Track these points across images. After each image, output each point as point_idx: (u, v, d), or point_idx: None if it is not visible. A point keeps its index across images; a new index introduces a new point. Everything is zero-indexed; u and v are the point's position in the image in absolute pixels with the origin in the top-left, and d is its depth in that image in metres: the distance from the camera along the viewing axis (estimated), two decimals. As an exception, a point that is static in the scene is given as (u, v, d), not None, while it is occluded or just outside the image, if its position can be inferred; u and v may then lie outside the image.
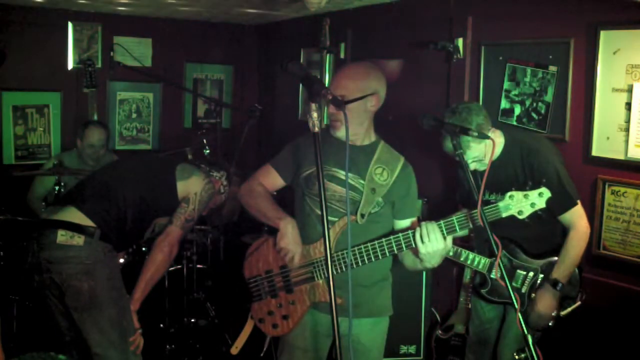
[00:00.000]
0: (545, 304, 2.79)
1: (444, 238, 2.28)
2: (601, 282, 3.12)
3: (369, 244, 2.39)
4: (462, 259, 2.96)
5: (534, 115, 3.48)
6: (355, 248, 2.39)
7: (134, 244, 3.85)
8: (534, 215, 2.29)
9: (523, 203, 2.26)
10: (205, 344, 4.18)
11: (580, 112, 3.25)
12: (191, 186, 2.99)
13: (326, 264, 1.84)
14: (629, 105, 3.01)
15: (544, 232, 2.84)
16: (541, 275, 2.87)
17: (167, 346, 4.08)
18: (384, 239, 2.38)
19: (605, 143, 3.13)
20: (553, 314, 2.81)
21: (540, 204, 2.25)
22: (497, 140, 2.83)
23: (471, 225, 2.33)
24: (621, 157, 3.06)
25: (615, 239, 3.11)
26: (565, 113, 3.31)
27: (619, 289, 3.07)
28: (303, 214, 2.52)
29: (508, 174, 2.80)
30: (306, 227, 2.48)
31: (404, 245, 2.35)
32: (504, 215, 2.29)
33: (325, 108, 2.58)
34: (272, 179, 2.63)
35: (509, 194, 2.28)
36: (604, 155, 3.14)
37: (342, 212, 2.43)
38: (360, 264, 2.39)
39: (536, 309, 2.80)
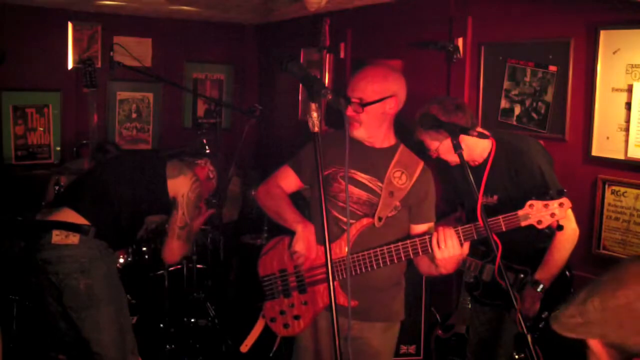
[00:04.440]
0: (525, 304, 2.75)
1: (461, 244, 2.26)
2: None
3: (384, 248, 2.37)
4: None
5: (533, 115, 3.48)
6: (372, 251, 2.38)
7: (131, 243, 3.85)
8: (554, 228, 2.26)
9: (543, 213, 2.22)
10: (205, 344, 4.18)
11: (580, 112, 3.25)
12: (179, 186, 2.99)
13: (326, 264, 1.84)
14: (628, 105, 3.01)
15: (536, 234, 2.82)
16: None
17: (167, 346, 4.08)
18: (400, 243, 2.36)
19: (605, 143, 3.13)
20: (543, 315, 2.79)
21: (561, 214, 2.21)
22: (483, 142, 2.81)
23: (489, 233, 2.30)
24: (621, 157, 3.06)
25: (615, 239, 3.11)
26: (565, 113, 3.31)
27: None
28: (320, 216, 2.51)
29: (495, 176, 2.78)
30: (322, 229, 2.46)
31: (420, 250, 2.33)
32: (523, 224, 2.25)
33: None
34: (290, 181, 2.61)
35: (529, 202, 2.24)
36: (604, 155, 3.14)
37: (358, 214, 2.41)
38: (375, 267, 2.38)
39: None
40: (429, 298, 3.74)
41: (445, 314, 3.80)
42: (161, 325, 4.24)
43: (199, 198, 3.06)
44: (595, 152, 3.18)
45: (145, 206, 2.97)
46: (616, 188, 3.10)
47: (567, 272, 2.85)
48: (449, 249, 2.25)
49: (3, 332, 3.68)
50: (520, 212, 2.25)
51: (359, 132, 2.41)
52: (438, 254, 2.26)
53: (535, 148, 2.87)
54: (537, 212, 2.24)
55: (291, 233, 2.47)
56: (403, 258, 2.37)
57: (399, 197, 2.42)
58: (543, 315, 2.79)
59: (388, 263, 2.37)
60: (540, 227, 2.25)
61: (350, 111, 2.40)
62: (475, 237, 2.29)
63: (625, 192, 3.07)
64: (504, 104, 3.64)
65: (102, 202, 2.87)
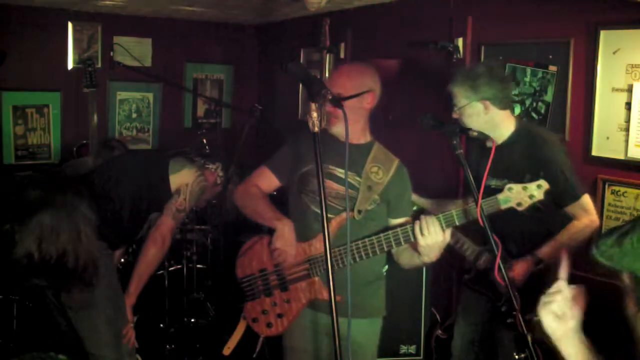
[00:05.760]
0: (518, 268, 2.69)
1: (443, 231, 2.30)
2: (601, 282, 3.11)
3: (366, 240, 2.40)
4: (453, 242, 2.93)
5: (534, 115, 3.48)
6: (353, 244, 2.40)
7: (131, 242, 3.85)
8: (532, 209, 2.28)
9: (522, 195, 2.27)
10: (205, 344, 4.18)
11: (580, 112, 3.25)
12: (183, 178, 3.00)
13: (326, 262, 1.84)
14: (628, 105, 3.01)
15: (540, 228, 2.81)
16: None
17: (167, 346, 4.08)
18: (382, 234, 2.40)
19: (605, 143, 3.13)
20: (526, 317, 2.75)
21: (539, 196, 2.26)
22: (507, 124, 2.79)
23: (470, 218, 2.34)
24: (621, 157, 3.06)
25: (615, 239, 3.11)
26: (565, 113, 3.32)
27: (619, 288, 3.06)
28: (299, 212, 2.54)
29: (513, 160, 2.75)
30: (302, 225, 2.50)
31: (402, 240, 2.37)
32: (503, 207, 2.29)
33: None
34: (268, 180, 2.66)
35: (507, 186, 2.29)
36: (604, 155, 3.14)
37: (339, 208, 2.44)
38: (358, 259, 2.41)
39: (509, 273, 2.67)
40: (429, 298, 3.74)
41: (445, 314, 3.80)
42: (161, 325, 4.24)
43: (202, 192, 3.06)
44: (595, 152, 3.18)
45: (146, 206, 2.97)
46: (616, 188, 3.10)
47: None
48: (431, 235, 2.27)
49: (3, 332, 3.69)
50: (500, 196, 2.30)
51: (337, 128, 2.47)
52: (421, 241, 2.29)
53: (557, 141, 2.84)
54: (516, 195, 2.28)
55: (269, 233, 2.51)
56: (385, 248, 2.41)
57: (377, 191, 2.48)
58: (526, 317, 2.74)
59: (370, 255, 2.41)
60: (520, 209, 2.29)
61: (329, 107, 2.45)
62: (457, 223, 2.34)
63: (625, 192, 3.07)
64: (504, 104, 3.63)
65: (103, 202, 2.87)
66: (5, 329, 3.76)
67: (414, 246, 2.35)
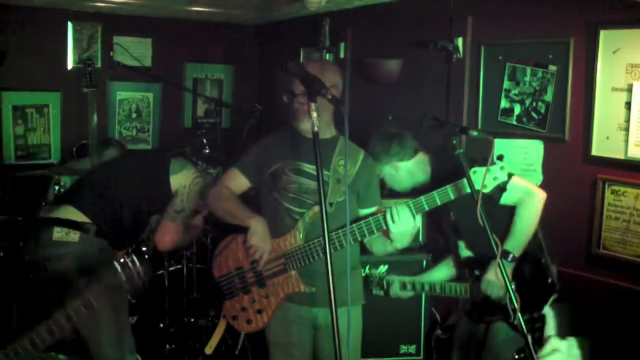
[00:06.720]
0: (496, 273, 2.67)
1: (413, 217, 2.39)
2: (601, 282, 3.12)
3: (339, 231, 2.47)
4: (438, 290, 2.97)
5: (533, 114, 3.48)
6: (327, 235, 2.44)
7: (132, 242, 3.85)
8: (497, 190, 2.36)
9: (486, 177, 2.33)
10: (205, 344, 4.17)
11: (580, 112, 3.25)
12: (181, 179, 3.03)
13: (325, 257, 1.88)
14: (628, 105, 3.01)
15: (500, 224, 2.79)
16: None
17: (167, 346, 4.08)
18: (354, 225, 2.47)
19: (605, 143, 3.13)
20: (525, 317, 2.75)
21: (503, 177, 2.33)
22: (424, 165, 2.90)
23: (439, 203, 2.40)
24: (621, 156, 3.06)
25: (615, 239, 3.11)
26: (565, 112, 3.32)
27: (619, 288, 3.06)
28: (271, 209, 2.59)
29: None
30: (275, 222, 2.56)
31: (374, 228, 2.45)
32: (469, 190, 2.34)
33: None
34: (238, 181, 2.69)
35: (472, 170, 2.34)
36: (604, 155, 3.14)
37: (310, 203, 2.52)
38: (332, 250, 2.44)
39: (487, 277, 2.73)
40: (428, 297, 3.74)
41: (445, 314, 3.80)
42: (161, 325, 4.24)
43: (201, 191, 3.07)
44: (595, 152, 3.18)
45: (147, 205, 2.98)
46: (616, 188, 3.10)
47: (542, 260, 2.81)
48: (402, 221, 2.38)
49: (3, 332, 3.69)
50: (466, 179, 2.34)
51: (305, 125, 2.49)
52: (393, 228, 2.39)
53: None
54: (480, 178, 2.33)
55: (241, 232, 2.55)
56: (359, 237, 2.49)
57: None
58: (525, 317, 2.72)
59: (345, 245, 2.47)
60: (485, 191, 2.34)
61: (296, 104, 2.49)
62: (427, 209, 2.41)
63: (625, 192, 3.07)
64: (503, 103, 3.64)
65: (104, 201, 2.88)
66: (5, 329, 3.76)
67: (386, 234, 2.44)
